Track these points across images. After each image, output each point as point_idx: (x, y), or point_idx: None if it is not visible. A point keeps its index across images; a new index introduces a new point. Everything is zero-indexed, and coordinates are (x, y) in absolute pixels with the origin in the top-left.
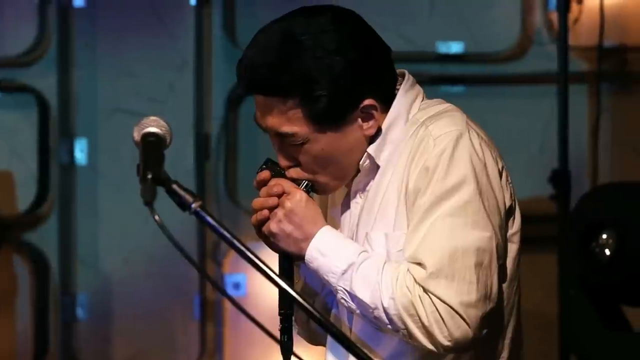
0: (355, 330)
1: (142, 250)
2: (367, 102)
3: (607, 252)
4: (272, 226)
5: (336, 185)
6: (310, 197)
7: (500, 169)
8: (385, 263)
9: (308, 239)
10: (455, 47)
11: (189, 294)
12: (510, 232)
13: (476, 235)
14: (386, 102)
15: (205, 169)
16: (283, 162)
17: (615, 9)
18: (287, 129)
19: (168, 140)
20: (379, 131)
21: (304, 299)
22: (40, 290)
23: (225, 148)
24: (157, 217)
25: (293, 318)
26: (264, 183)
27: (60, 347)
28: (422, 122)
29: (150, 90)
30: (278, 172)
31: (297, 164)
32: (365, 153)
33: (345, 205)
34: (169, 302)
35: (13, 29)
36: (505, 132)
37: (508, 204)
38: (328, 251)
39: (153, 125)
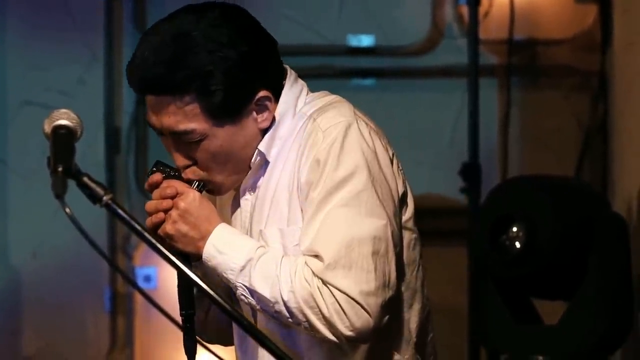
0: (261, 326)
1: (52, 243)
2: (262, 93)
3: (517, 245)
4: (168, 228)
5: (231, 183)
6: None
7: (391, 157)
8: (283, 257)
9: (204, 237)
10: (365, 41)
11: (100, 287)
12: (404, 218)
13: (371, 223)
14: (276, 94)
15: (115, 162)
16: (180, 162)
17: (525, 2)
18: (184, 126)
19: (79, 133)
20: (270, 126)
21: (215, 292)
22: None
23: (136, 141)
24: (67, 210)
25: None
26: (156, 185)
27: None
28: (310, 116)
29: (60, 83)
30: (169, 173)
31: (194, 162)
32: (256, 150)
33: (235, 205)
34: (79, 295)
35: None
36: (416, 125)
37: (401, 190)
38: (225, 248)
39: (64, 118)
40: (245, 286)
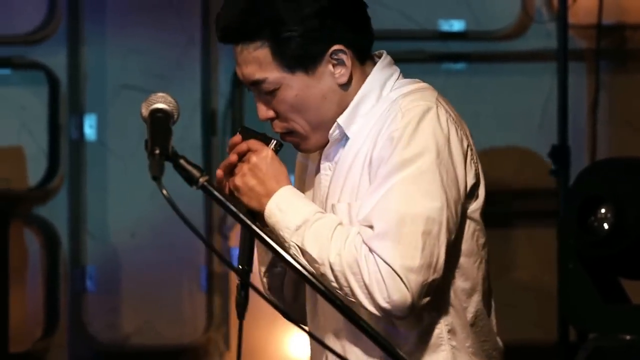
0: (321, 301)
1: (149, 223)
2: (337, 47)
3: (606, 226)
4: (237, 180)
5: (315, 138)
6: (278, 156)
7: (466, 148)
8: (338, 224)
9: (269, 194)
10: (457, 25)
11: (196, 267)
12: (471, 208)
13: (427, 204)
14: (359, 54)
15: (212, 144)
16: (262, 113)
17: None
18: (259, 75)
19: (175, 116)
20: (353, 96)
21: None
22: (51, 263)
23: (232, 123)
24: (164, 192)
25: (267, 282)
26: (235, 146)
27: (70, 318)
28: (395, 100)
29: (157, 67)
30: (248, 135)
31: (276, 115)
32: (335, 123)
33: (317, 175)
34: (176, 274)
35: (24, 7)
36: (506, 109)
37: (472, 182)
38: (286, 207)
39: (161, 102)
40: (298, 245)
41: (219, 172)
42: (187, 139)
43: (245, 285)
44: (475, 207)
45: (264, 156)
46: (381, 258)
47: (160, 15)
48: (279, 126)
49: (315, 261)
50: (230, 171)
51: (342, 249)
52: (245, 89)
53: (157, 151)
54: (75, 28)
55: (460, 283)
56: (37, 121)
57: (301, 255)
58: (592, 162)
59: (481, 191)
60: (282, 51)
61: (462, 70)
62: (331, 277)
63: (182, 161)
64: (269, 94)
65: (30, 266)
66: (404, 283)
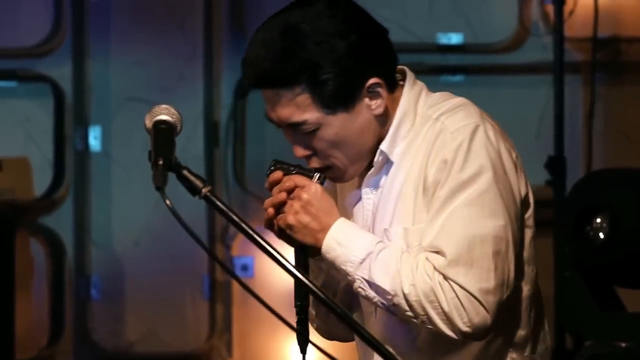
0: (381, 321)
1: (153, 232)
2: (373, 80)
3: (601, 235)
4: (289, 218)
5: (354, 170)
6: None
7: (515, 159)
8: (403, 252)
9: (325, 229)
10: (455, 38)
11: (199, 275)
12: (526, 216)
13: (493, 224)
14: (389, 82)
15: (214, 155)
16: (300, 153)
17: (609, 0)
18: (298, 117)
19: (179, 128)
20: (388, 123)
21: (315, 286)
22: (56, 272)
23: (234, 135)
24: (168, 202)
25: (313, 312)
26: (277, 183)
27: (74, 325)
28: (437, 118)
29: (161, 79)
30: (288, 170)
31: (314, 152)
32: (378, 150)
33: (355, 200)
34: (179, 283)
35: (30, 20)
36: (503, 120)
37: (524, 191)
38: (345, 241)
39: (164, 113)
40: (364, 279)
41: (270, 211)
42: (190, 150)
43: (302, 320)
44: (529, 213)
45: (313, 192)
46: (457, 284)
47: (163, 28)
48: (316, 162)
49: (388, 293)
50: (278, 209)
51: (415, 278)
52: (247, 101)
53: (161, 162)
54: (80, 41)
55: (525, 291)
56: (42, 132)
57: (368, 287)
58: (587, 173)
59: (531, 197)
60: (320, 93)
61: (460, 83)
62: (406, 307)
63: (185, 172)
64: (307, 134)
65: (36, 275)
66: (483, 305)
